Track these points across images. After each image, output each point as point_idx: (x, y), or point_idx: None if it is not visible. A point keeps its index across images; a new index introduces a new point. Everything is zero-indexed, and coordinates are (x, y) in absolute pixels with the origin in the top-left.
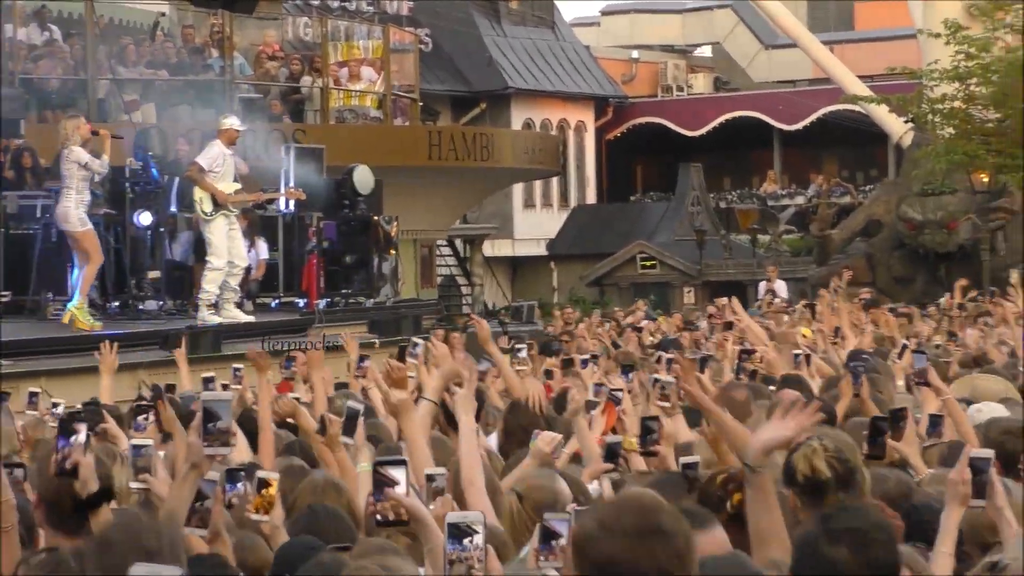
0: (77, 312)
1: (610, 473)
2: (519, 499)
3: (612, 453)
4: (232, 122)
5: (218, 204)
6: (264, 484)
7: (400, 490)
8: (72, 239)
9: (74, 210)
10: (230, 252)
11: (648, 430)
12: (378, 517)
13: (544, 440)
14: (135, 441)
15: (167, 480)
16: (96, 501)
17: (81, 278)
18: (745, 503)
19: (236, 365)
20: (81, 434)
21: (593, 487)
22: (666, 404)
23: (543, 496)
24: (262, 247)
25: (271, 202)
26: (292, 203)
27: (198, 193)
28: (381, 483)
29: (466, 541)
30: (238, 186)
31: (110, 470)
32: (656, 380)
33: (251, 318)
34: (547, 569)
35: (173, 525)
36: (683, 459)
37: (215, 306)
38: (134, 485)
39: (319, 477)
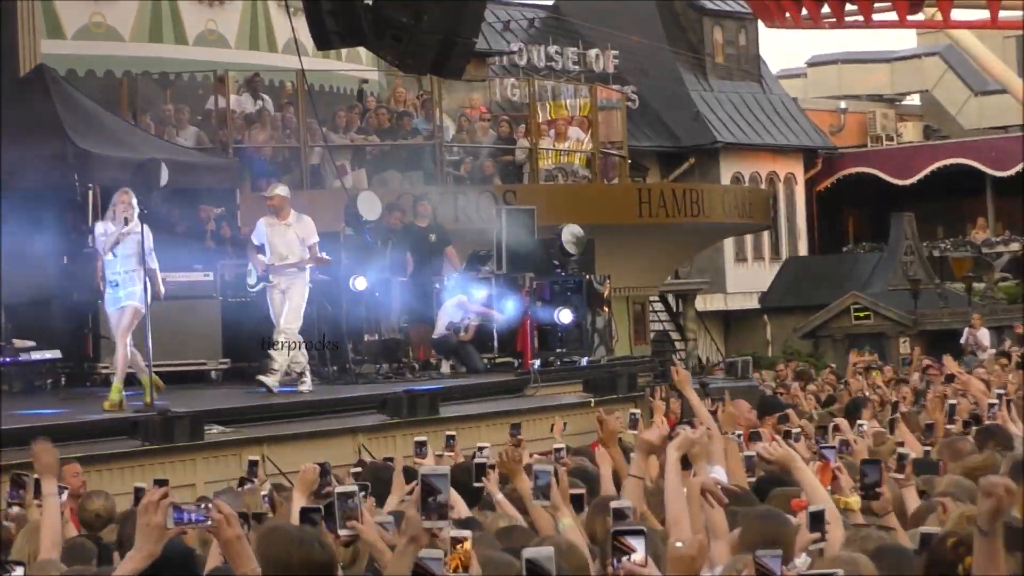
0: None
1: (816, 544)
2: None
3: (817, 520)
4: (275, 191)
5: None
6: (458, 541)
7: (638, 558)
8: None
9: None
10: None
11: (864, 473)
12: None
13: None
14: (340, 489)
15: (372, 524)
16: None
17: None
18: (975, 567)
19: (449, 432)
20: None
21: (800, 560)
22: (900, 476)
23: None
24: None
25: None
26: (505, 264)
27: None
28: (620, 551)
29: None
30: (289, 258)
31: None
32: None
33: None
34: None
35: None
36: (922, 529)
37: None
38: (343, 532)
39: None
